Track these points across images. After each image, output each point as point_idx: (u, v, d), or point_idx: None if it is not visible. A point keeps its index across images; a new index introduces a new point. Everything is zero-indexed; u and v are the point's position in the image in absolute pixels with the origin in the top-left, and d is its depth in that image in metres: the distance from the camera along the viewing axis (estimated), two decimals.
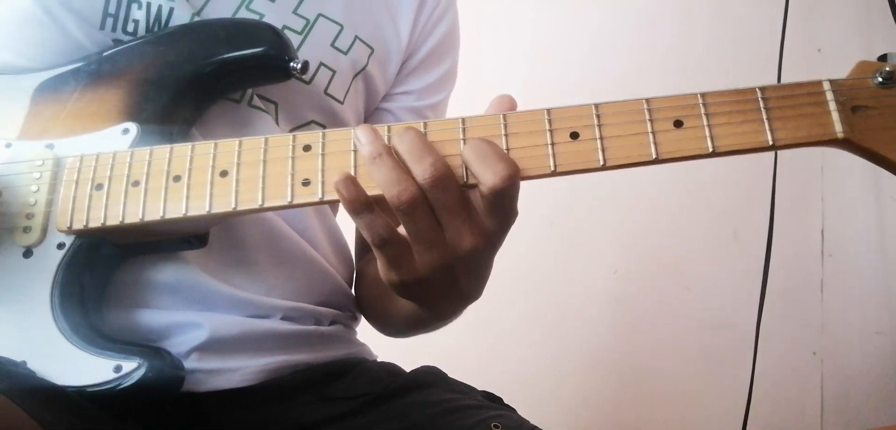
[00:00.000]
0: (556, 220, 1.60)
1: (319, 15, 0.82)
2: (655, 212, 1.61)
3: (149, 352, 0.65)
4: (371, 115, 0.91)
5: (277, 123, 0.80)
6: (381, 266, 0.64)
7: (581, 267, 1.63)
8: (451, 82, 0.96)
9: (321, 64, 0.81)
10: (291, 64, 0.73)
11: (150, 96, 0.72)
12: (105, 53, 0.74)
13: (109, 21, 0.74)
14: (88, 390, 0.63)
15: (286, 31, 0.79)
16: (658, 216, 1.61)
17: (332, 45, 0.82)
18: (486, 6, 1.62)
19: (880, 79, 0.61)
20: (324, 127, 0.84)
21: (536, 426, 0.76)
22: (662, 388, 1.62)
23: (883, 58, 0.63)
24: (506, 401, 0.84)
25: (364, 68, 0.86)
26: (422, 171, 0.59)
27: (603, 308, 1.63)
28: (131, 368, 0.63)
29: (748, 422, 1.52)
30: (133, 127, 0.71)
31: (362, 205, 0.60)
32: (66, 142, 0.71)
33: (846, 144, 0.61)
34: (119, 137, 0.70)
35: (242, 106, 0.78)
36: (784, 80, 1.52)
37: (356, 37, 0.84)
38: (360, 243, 0.95)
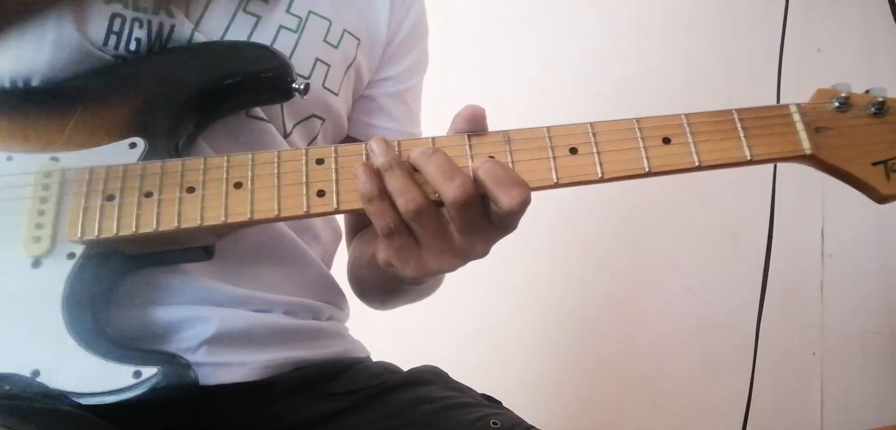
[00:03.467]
0: (555, 220, 1.60)
1: (310, 12, 0.84)
2: (655, 212, 1.61)
3: (164, 358, 0.66)
4: (356, 102, 0.93)
5: (283, 119, 0.82)
6: (384, 254, 0.67)
7: (580, 268, 1.63)
8: (425, 64, 1.00)
9: (317, 60, 0.83)
10: (293, 85, 0.76)
11: (157, 112, 0.73)
12: (108, 68, 0.74)
13: (113, 39, 0.74)
14: (109, 396, 0.63)
15: (283, 31, 0.81)
16: (658, 216, 1.61)
17: (325, 40, 0.85)
18: (484, 9, 1.62)
19: (837, 103, 0.71)
20: (323, 120, 0.86)
21: (533, 426, 0.77)
22: (662, 388, 1.62)
23: (866, 92, 0.72)
24: (504, 403, 0.84)
25: (354, 60, 0.88)
26: (452, 189, 0.63)
27: (602, 309, 1.63)
28: (150, 374, 0.64)
29: (748, 422, 1.52)
30: (141, 142, 0.71)
31: (375, 190, 0.64)
32: (72, 156, 0.71)
33: (813, 159, 0.69)
34: (127, 152, 0.71)
35: (240, 117, 0.79)
36: (784, 80, 1.52)
37: (344, 30, 0.86)
38: (352, 225, 1.00)
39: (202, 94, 0.74)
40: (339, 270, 0.96)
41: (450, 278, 1.58)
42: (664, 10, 1.63)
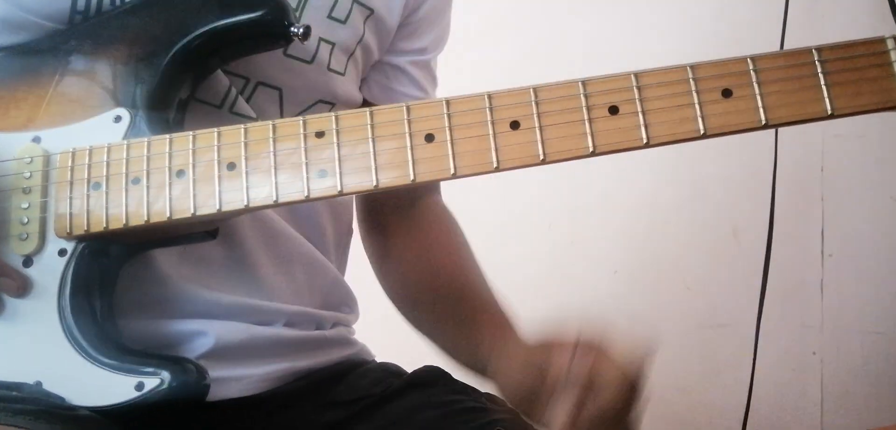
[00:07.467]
0: (556, 220, 1.60)
1: None
2: (655, 211, 1.60)
3: (170, 364, 0.62)
4: (374, 67, 0.86)
5: (282, 111, 0.77)
6: None
7: (581, 267, 1.63)
8: (448, 34, 0.93)
9: (320, 40, 0.77)
10: (292, 29, 0.68)
11: (140, 77, 0.67)
12: (84, 27, 0.68)
13: (78, 18, 0.69)
14: (109, 408, 0.60)
15: None
16: (658, 216, 1.60)
17: (330, 15, 0.78)
18: (485, 9, 1.62)
19: None
20: (331, 105, 0.80)
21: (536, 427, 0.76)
22: (662, 388, 1.61)
23: None
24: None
25: (361, 38, 0.81)
26: None
27: (603, 308, 1.62)
28: (154, 384, 0.60)
29: (748, 422, 1.52)
30: (125, 114, 0.65)
31: None
32: (53, 133, 0.66)
33: None
34: (110, 127, 0.65)
35: (223, 112, 0.73)
36: None
37: (353, 1, 0.79)
38: (366, 209, 0.93)
39: (186, 46, 0.67)
40: (352, 265, 0.93)
41: None
42: (663, 9, 1.62)
